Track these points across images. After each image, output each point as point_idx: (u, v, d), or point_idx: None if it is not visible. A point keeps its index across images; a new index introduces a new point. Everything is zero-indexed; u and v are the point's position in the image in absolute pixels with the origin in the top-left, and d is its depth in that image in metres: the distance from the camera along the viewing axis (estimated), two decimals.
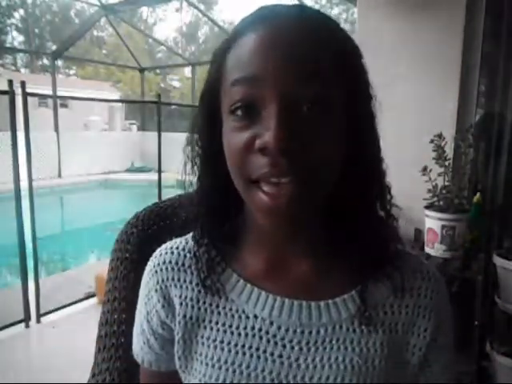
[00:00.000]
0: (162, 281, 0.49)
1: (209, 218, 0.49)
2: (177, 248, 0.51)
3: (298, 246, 0.47)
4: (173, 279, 0.49)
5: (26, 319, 2.61)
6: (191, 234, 0.52)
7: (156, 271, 0.50)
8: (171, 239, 0.60)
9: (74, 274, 3.47)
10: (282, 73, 0.38)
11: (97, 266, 3.21)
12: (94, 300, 2.95)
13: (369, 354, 0.45)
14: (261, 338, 0.45)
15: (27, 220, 2.61)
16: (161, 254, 0.52)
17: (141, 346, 0.54)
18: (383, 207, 0.47)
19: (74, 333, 2.55)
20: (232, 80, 0.40)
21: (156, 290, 0.50)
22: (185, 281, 0.49)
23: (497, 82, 1.89)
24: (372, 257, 0.46)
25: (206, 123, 0.46)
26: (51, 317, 2.72)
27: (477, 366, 1.64)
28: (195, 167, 0.49)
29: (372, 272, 0.46)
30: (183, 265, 0.50)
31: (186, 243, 0.51)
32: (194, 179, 0.50)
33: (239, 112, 0.40)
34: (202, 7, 8.15)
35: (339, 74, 0.40)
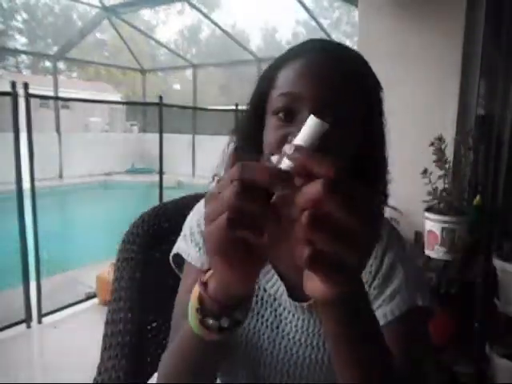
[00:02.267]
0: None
1: None
2: None
3: None
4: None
5: (28, 319, 2.61)
6: None
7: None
8: (176, 240, 0.66)
9: (74, 274, 3.47)
10: (316, 92, 0.52)
11: (97, 266, 3.21)
12: (94, 300, 2.96)
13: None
14: (266, 308, 0.59)
15: (29, 220, 2.61)
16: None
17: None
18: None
19: (75, 333, 2.56)
20: (280, 92, 0.55)
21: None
22: None
23: (497, 85, 1.90)
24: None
25: (253, 120, 0.59)
26: (53, 317, 2.72)
27: (476, 368, 1.64)
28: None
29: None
30: None
31: None
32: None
33: (281, 115, 0.54)
34: (204, 10, 8.16)
35: (359, 101, 0.55)
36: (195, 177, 9.07)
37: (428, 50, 1.96)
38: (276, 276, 0.61)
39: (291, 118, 0.53)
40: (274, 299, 0.61)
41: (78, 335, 2.49)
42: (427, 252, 1.72)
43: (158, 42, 10.90)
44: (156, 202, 0.89)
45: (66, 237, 5.66)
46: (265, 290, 0.61)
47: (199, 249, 0.62)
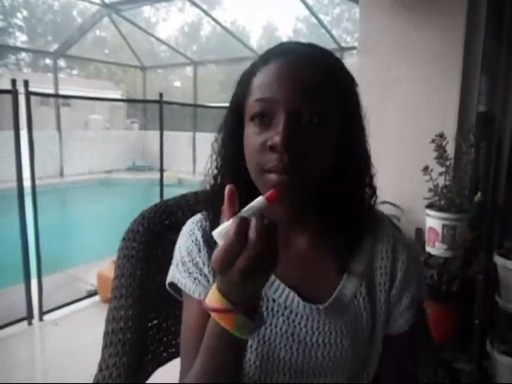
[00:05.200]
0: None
1: None
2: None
3: (297, 227, 0.63)
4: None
5: (29, 317, 2.62)
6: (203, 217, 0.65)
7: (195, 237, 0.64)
8: (177, 237, 0.67)
9: (76, 272, 3.47)
10: (289, 95, 0.54)
11: (98, 264, 3.21)
12: (96, 298, 2.97)
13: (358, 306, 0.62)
14: (278, 318, 0.60)
15: (30, 218, 2.62)
16: (198, 229, 0.65)
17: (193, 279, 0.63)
18: (368, 201, 0.64)
19: (76, 330, 2.56)
20: (255, 98, 0.56)
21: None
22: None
23: (498, 82, 1.89)
24: (354, 235, 0.62)
25: (233, 125, 0.61)
26: (54, 315, 2.73)
27: (477, 365, 1.65)
28: (218, 163, 0.63)
29: (353, 246, 0.63)
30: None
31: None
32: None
33: (257, 121, 0.56)
34: (204, 7, 8.13)
35: (334, 98, 0.56)
36: (196, 174, 9.06)
37: (429, 46, 1.96)
38: (283, 285, 0.61)
39: (268, 122, 0.55)
40: (285, 307, 0.61)
41: (79, 333, 2.50)
42: (428, 249, 1.72)
43: (158, 39, 10.87)
44: (156, 200, 0.89)
45: (67, 235, 5.67)
46: (274, 301, 0.61)
47: (194, 279, 0.62)
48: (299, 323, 0.60)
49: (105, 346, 0.71)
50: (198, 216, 0.67)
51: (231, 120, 0.62)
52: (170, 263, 0.67)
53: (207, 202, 0.65)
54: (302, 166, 0.53)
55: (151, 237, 0.78)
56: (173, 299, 0.66)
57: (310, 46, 0.60)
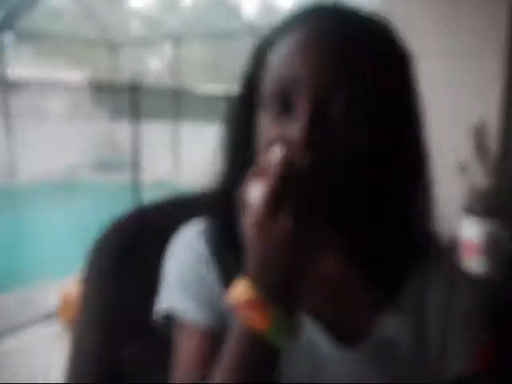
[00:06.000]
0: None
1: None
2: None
3: (325, 248, 0.56)
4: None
5: None
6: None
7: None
8: (158, 252, 0.65)
9: (31, 292, 3.46)
10: (317, 76, 0.48)
11: (59, 282, 3.21)
12: (57, 320, 2.95)
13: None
14: (299, 359, 0.57)
15: None
16: (200, 240, 0.63)
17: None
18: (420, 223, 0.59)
19: (32, 362, 2.54)
20: (271, 78, 0.52)
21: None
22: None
23: None
24: (400, 259, 0.58)
25: (243, 111, 0.58)
26: (4, 344, 2.71)
27: None
28: (228, 160, 0.61)
29: (398, 274, 0.59)
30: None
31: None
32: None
33: (272, 107, 0.51)
34: None
35: (381, 82, 0.50)
36: (180, 174, 9.00)
37: (467, 31, 1.93)
38: (307, 318, 0.58)
39: (287, 110, 0.51)
40: (309, 346, 0.58)
41: (34, 364, 2.48)
42: (464, 263, 1.72)
43: (130, 10, 10.87)
44: (131, 206, 0.89)
45: (19, 247, 5.63)
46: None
47: (200, 303, 0.59)
48: (327, 366, 0.57)
49: (68, 371, 0.72)
50: (197, 224, 0.65)
51: (242, 107, 0.59)
52: (146, 282, 0.66)
53: (214, 206, 0.63)
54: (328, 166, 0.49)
55: (125, 251, 0.77)
56: (149, 323, 0.65)
57: (349, 10, 0.54)
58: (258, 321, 0.44)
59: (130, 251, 0.77)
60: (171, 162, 9.40)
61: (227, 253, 0.58)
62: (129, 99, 3.37)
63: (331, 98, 0.49)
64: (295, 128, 0.48)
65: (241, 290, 0.45)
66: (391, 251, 0.57)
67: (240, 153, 0.59)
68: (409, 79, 0.55)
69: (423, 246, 0.61)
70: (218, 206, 0.61)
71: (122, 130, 7.11)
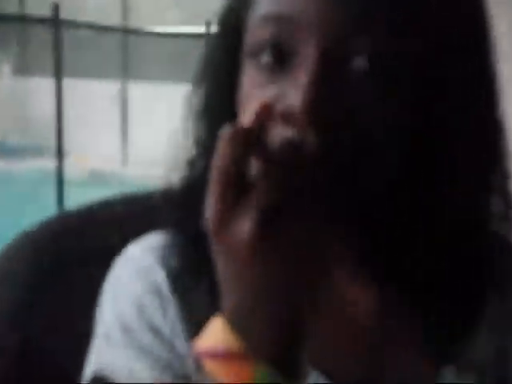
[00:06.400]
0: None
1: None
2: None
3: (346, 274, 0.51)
4: None
5: None
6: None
7: None
8: (91, 277, 0.59)
9: None
10: (329, 12, 0.42)
11: None
12: None
13: None
14: None
15: None
16: (158, 263, 0.58)
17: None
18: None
19: None
20: (261, 14, 0.46)
21: None
22: None
23: None
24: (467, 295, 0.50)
25: (221, 71, 0.52)
26: None
27: None
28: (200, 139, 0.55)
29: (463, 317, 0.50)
30: None
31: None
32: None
33: (265, 58, 0.45)
34: None
35: (420, 22, 0.43)
36: (127, 162, 7.58)
37: None
38: (323, 378, 0.50)
39: (283, 62, 0.45)
40: None
41: None
42: None
43: None
44: (51, 208, 0.73)
45: None
46: None
47: (154, 359, 0.52)
48: None
49: None
50: (150, 240, 0.58)
51: (221, 57, 0.52)
52: (73, 320, 0.64)
53: (178, 212, 0.55)
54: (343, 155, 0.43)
55: (42, 275, 0.72)
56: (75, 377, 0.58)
57: None
58: (236, 379, 0.38)
59: (47, 276, 0.73)
60: (116, 142, 7.65)
61: (195, 283, 0.53)
62: (47, 43, 2.97)
63: (347, 46, 0.42)
64: (295, 89, 0.42)
65: (214, 337, 0.39)
66: (459, 276, 0.49)
67: (218, 126, 0.47)
68: (483, 19, 0.48)
69: (504, 267, 0.53)
70: (183, 211, 0.54)
71: (37, 92, 6.34)
